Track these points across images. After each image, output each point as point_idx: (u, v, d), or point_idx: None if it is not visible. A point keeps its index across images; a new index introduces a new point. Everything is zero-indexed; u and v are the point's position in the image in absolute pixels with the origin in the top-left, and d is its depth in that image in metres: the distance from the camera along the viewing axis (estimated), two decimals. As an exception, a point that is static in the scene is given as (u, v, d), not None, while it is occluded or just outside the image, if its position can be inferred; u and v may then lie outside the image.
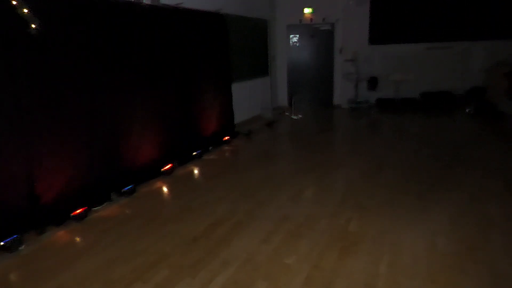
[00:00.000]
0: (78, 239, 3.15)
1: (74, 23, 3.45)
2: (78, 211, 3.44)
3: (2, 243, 2.88)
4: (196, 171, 4.85)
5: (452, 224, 3.05)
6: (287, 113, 6.14)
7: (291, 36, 9.22)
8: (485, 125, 6.64)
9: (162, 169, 4.58)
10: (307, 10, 8.86)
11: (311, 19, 8.90)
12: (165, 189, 4.26)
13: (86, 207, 3.53)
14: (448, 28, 8.34)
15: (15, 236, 2.96)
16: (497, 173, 4.18)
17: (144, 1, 4.43)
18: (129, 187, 4.02)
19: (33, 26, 2.91)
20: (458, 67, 8.42)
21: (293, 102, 9.49)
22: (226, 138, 6.09)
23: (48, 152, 3.26)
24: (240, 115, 6.92)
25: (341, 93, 9.18)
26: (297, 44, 9.29)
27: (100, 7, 3.74)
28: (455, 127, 6.76)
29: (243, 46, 7.11)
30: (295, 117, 6.03)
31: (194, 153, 5.23)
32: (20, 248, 2.95)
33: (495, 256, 2.55)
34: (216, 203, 3.70)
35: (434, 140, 5.84)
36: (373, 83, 8.89)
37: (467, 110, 7.72)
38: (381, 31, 8.70)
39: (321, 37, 9.07)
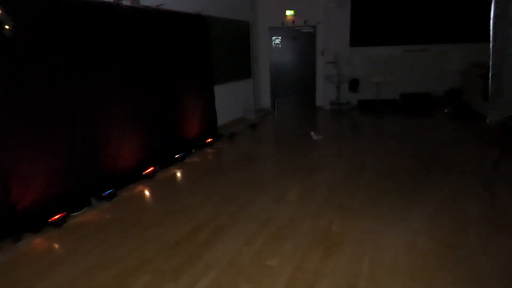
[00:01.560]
0: (56, 246, 3.07)
1: (52, 24, 3.36)
2: (56, 217, 3.35)
3: (-25, 252, 2.77)
4: (178, 174, 4.79)
5: (432, 223, 3.11)
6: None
7: (273, 38, 9.27)
8: (461, 126, 6.82)
9: (144, 173, 4.51)
10: (289, 13, 8.92)
11: (293, 22, 8.96)
12: (146, 192, 4.19)
13: (65, 213, 3.43)
14: (425, 31, 8.55)
15: (-11, 244, 2.85)
16: (474, 172, 4.29)
17: (123, 2, 4.36)
18: (109, 191, 3.94)
19: (6, 27, 2.81)
20: (436, 69, 8.63)
21: (276, 104, 9.54)
22: (209, 140, 6.06)
23: (24, 156, 3.16)
24: (223, 117, 6.89)
25: (323, 95, 9.28)
26: (280, 46, 9.34)
27: (79, 7, 3.66)
28: (434, 128, 6.92)
29: (226, 48, 7.10)
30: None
31: (177, 156, 5.17)
32: (-6, 256, 2.85)
33: (473, 253, 2.61)
34: (199, 206, 3.67)
35: (413, 141, 5.96)
36: (354, 85, 9.02)
37: (445, 111, 7.91)
38: (361, 34, 8.84)
39: (303, 39, 9.15)
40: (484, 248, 2.68)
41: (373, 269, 2.47)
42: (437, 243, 2.77)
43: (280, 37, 9.27)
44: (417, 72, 8.72)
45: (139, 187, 4.29)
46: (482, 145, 5.44)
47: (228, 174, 4.70)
